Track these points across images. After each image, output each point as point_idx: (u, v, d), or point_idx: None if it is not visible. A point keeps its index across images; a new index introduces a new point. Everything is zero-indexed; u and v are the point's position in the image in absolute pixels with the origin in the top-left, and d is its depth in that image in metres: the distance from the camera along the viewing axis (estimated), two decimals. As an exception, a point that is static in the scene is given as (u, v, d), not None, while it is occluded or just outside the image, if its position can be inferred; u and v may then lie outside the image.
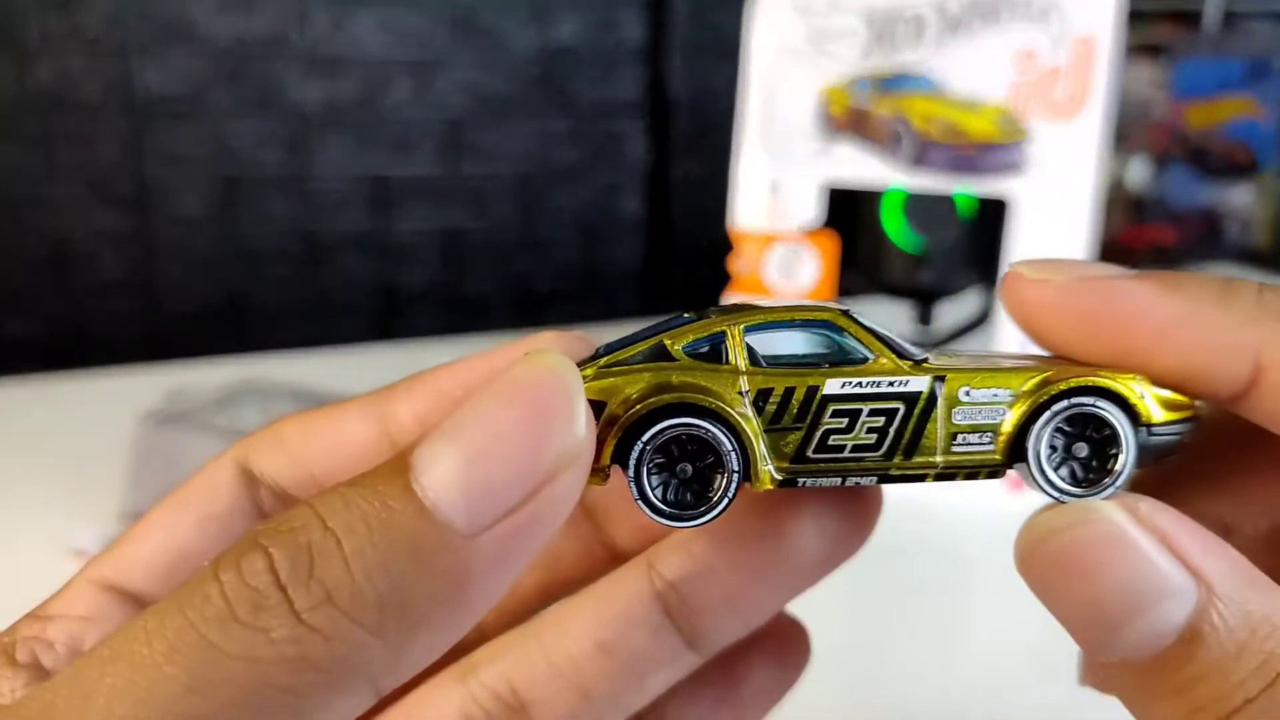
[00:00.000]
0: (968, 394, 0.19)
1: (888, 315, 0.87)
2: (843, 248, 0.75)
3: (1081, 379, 0.19)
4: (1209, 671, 0.17)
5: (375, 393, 0.23)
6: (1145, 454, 0.19)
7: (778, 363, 0.20)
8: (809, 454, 0.19)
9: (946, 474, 0.19)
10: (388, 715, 0.24)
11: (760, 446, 0.19)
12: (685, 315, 0.21)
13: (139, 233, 1.63)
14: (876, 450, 0.19)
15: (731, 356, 0.20)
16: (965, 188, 0.71)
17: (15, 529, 0.67)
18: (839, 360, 0.19)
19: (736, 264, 0.76)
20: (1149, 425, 0.19)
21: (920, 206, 0.78)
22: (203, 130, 1.63)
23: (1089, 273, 0.19)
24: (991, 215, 0.71)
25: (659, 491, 0.19)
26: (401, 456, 0.16)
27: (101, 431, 0.77)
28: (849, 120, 0.73)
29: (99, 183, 1.59)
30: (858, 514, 0.23)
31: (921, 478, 0.19)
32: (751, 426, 0.19)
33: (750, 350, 0.20)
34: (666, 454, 0.19)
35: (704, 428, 0.19)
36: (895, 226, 0.78)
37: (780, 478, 0.19)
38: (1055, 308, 0.19)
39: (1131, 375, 0.19)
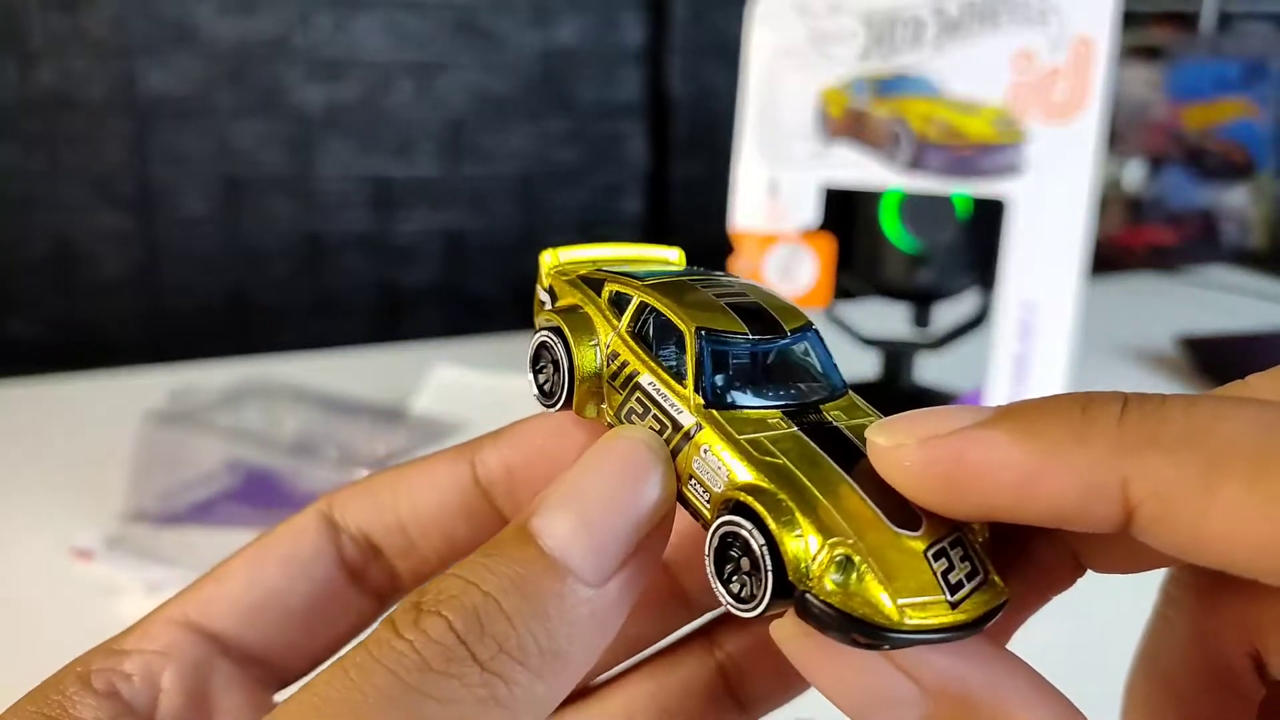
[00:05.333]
0: (705, 452, 0.20)
1: (885, 316, 0.87)
2: (841, 249, 0.75)
3: (736, 495, 0.19)
4: None
5: (463, 444, 0.26)
6: (814, 621, 0.17)
7: (644, 340, 0.22)
8: (620, 416, 0.22)
9: (680, 499, 0.21)
10: None
11: (581, 383, 0.22)
12: (696, 268, 0.24)
13: (142, 233, 1.64)
14: None
15: (625, 317, 0.22)
16: (963, 189, 0.71)
17: (17, 529, 0.67)
18: (672, 366, 0.21)
19: (736, 265, 0.76)
20: (808, 590, 0.17)
21: (918, 208, 0.78)
22: (205, 131, 1.63)
23: (938, 429, 0.18)
24: (989, 216, 0.72)
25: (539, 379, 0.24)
26: (522, 527, 0.19)
27: (104, 432, 0.77)
28: (847, 122, 0.73)
29: (102, 183, 1.60)
30: None
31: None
32: (589, 366, 0.22)
33: (638, 319, 0.22)
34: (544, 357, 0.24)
35: (554, 344, 0.23)
36: (893, 228, 0.79)
37: (598, 420, 0.23)
38: (914, 474, 0.18)
39: (837, 540, 0.17)
